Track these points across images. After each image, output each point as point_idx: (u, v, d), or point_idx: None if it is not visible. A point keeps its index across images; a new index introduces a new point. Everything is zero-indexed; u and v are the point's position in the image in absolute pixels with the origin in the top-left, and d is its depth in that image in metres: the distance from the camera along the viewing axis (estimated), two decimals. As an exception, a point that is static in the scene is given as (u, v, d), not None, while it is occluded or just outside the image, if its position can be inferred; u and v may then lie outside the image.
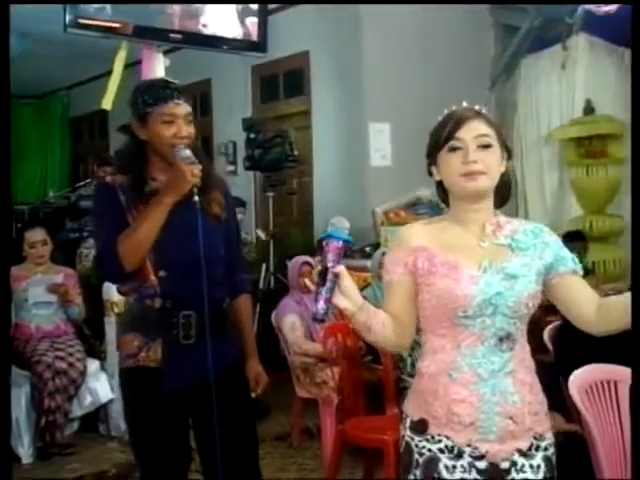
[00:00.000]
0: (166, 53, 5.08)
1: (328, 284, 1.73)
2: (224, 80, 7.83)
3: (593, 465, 2.59)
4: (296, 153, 6.03)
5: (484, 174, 1.76)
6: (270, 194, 6.08)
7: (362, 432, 3.58)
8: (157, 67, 4.38)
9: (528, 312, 1.79)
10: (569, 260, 1.85)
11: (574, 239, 5.80)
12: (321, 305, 1.72)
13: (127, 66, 4.98)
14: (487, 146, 1.78)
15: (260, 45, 5.27)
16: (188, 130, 2.34)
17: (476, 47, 6.88)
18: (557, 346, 3.61)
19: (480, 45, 6.96)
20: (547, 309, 5.16)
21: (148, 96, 2.34)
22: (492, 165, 1.78)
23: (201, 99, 8.40)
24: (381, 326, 1.80)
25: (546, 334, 3.82)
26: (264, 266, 5.70)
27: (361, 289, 5.22)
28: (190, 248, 2.30)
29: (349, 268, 6.04)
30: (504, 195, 1.88)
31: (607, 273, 6.19)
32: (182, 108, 2.33)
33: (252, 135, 6.04)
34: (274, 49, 6.89)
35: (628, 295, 1.78)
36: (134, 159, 2.39)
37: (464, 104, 1.87)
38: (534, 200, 7.12)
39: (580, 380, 2.69)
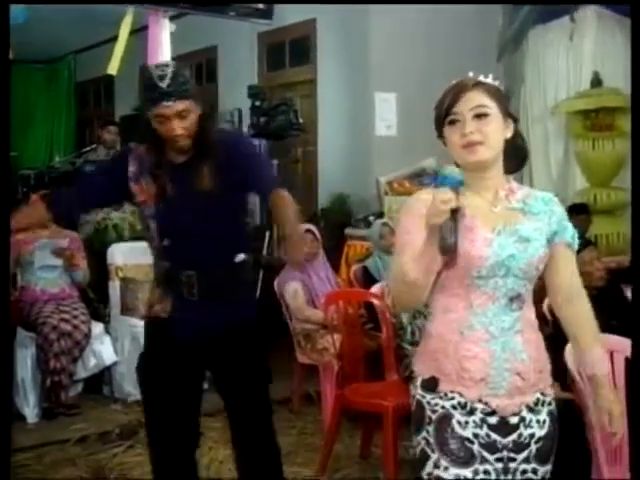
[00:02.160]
0: (172, 19, 5.07)
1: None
2: (230, 47, 7.80)
3: (586, 432, 2.63)
4: (301, 121, 6.03)
5: (482, 144, 1.80)
6: (274, 162, 6.08)
7: (361, 398, 3.63)
8: (163, 33, 4.38)
9: (537, 274, 1.86)
10: (569, 232, 1.90)
11: (578, 212, 5.81)
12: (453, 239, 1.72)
13: (133, 32, 4.98)
14: (484, 115, 1.81)
15: (266, 12, 5.25)
16: (181, 125, 2.41)
17: (483, 18, 6.83)
18: (556, 317, 3.64)
19: (487, 15, 6.90)
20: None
21: (142, 99, 2.49)
22: (490, 134, 1.80)
23: (207, 66, 8.38)
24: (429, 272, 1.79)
25: (546, 305, 3.83)
26: (267, 234, 5.72)
27: (364, 258, 5.26)
28: (185, 219, 2.50)
29: (352, 237, 6.09)
30: (519, 159, 1.93)
31: (610, 246, 6.20)
32: (171, 109, 2.39)
33: (257, 103, 6.04)
34: (281, 17, 6.87)
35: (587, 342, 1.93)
36: (149, 140, 2.52)
37: (470, 74, 1.89)
38: (539, 172, 7.10)
39: (576, 349, 2.71)
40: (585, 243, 3.72)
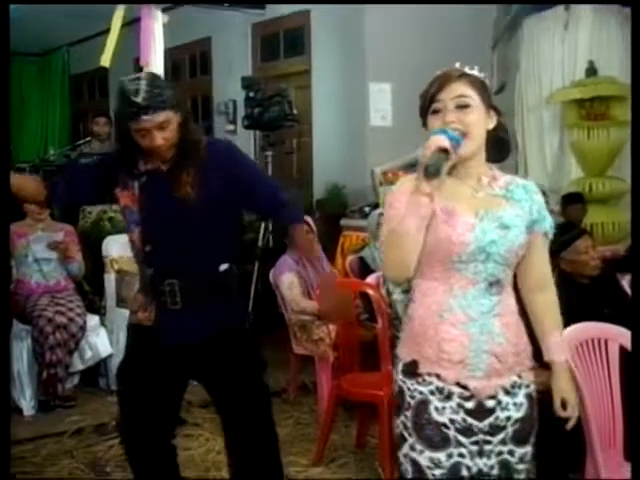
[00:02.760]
0: (165, 11, 5.05)
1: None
2: (224, 38, 7.78)
3: (581, 420, 2.64)
4: (295, 112, 6.02)
5: (462, 135, 1.82)
6: (269, 153, 6.08)
7: (357, 388, 3.64)
8: (156, 25, 4.36)
9: (516, 260, 1.90)
10: (547, 222, 1.95)
11: (573, 201, 5.83)
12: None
13: (126, 24, 4.97)
14: (465, 106, 1.84)
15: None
16: (163, 136, 2.39)
17: (478, 7, 6.82)
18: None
19: (482, 5, 6.89)
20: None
21: (119, 114, 2.46)
22: (471, 124, 1.84)
23: (201, 57, 8.37)
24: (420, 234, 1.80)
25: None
26: (263, 225, 5.72)
27: (359, 249, 5.26)
28: (167, 226, 2.48)
29: (347, 228, 6.10)
30: (502, 150, 1.97)
31: (605, 235, 6.21)
32: (151, 122, 2.36)
33: (251, 94, 6.03)
34: (275, 7, 6.86)
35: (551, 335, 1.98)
36: (126, 149, 2.49)
37: (457, 65, 1.92)
38: (534, 161, 7.11)
39: (571, 337, 2.71)
40: (580, 232, 3.73)
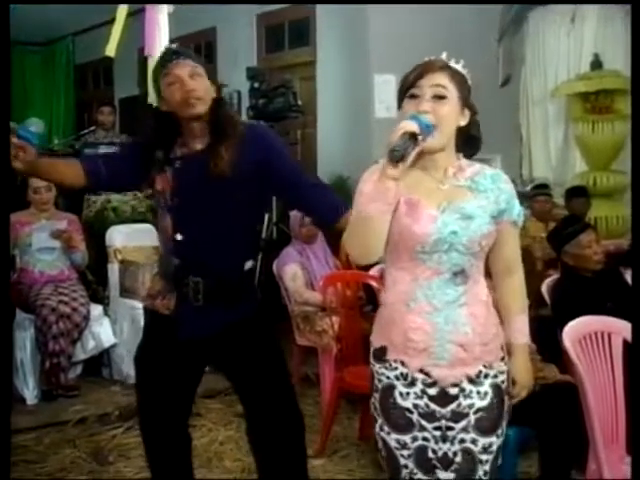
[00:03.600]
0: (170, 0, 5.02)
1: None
2: (229, 29, 7.76)
3: (584, 414, 2.64)
4: (300, 103, 6.00)
5: (433, 125, 1.82)
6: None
7: (360, 380, 3.62)
8: (161, 15, 4.33)
9: (481, 250, 1.92)
10: (515, 210, 1.97)
11: (576, 194, 5.82)
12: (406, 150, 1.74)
13: (131, 13, 4.95)
14: (442, 97, 1.86)
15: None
16: (194, 84, 2.37)
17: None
18: (554, 298, 3.65)
19: (485, 4, 6.86)
20: (548, 263, 5.24)
21: (156, 66, 2.46)
22: (444, 117, 1.85)
23: (206, 48, 8.34)
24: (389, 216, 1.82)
25: (544, 287, 3.86)
26: (267, 216, 5.70)
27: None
28: (199, 213, 2.41)
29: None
30: (472, 147, 1.99)
31: (609, 229, 6.21)
32: (183, 66, 2.37)
33: (256, 84, 6.02)
34: (277, 4, 6.83)
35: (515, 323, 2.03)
36: (156, 130, 2.48)
37: (443, 56, 1.95)
38: (538, 154, 7.11)
39: (574, 331, 2.72)
40: (584, 226, 3.72)
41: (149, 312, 2.61)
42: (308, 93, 6.81)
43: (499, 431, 1.95)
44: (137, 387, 2.70)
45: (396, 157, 1.74)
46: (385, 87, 6.39)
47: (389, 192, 1.77)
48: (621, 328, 2.75)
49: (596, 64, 6.53)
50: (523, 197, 6.36)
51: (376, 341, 1.99)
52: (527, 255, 3.79)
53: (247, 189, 2.41)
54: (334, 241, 5.59)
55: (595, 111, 6.49)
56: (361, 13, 6.53)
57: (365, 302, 4.23)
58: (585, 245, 3.54)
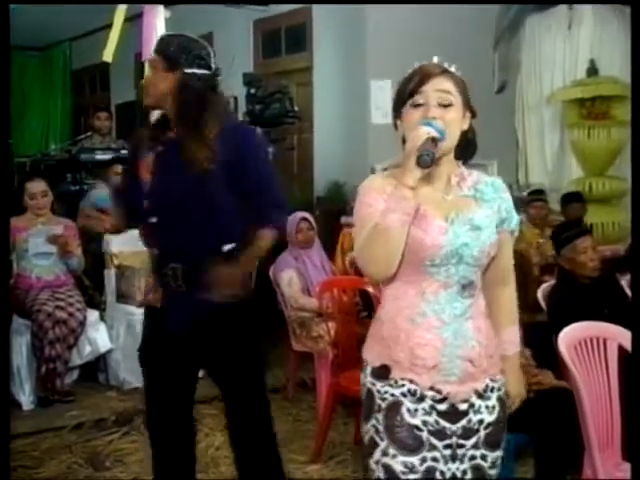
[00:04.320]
0: (167, 6, 5.05)
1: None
2: (225, 34, 7.76)
3: (579, 420, 2.64)
4: (296, 109, 6.00)
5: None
6: (270, 150, 6.06)
7: (356, 385, 3.60)
8: (158, 20, 4.35)
9: (488, 260, 1.89)
10: (514, 220, 1.94)
11: (572, 200, 5.83)
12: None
13: (129, 19, 4.96)
14: (448, 104, 1.81)
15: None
16: (146, 77, 2.61)
17: (480, 5, 6.81)
18: (550, 304, 3.66)
19: (484, 4, 6.88)
20: (544, 268, 5.25)
21: None
22: (451, 123, 1.81)
23: (203, 53, 8.34)
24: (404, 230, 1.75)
25: (540, 293, 3.86)
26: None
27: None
28: (172, 197, 2.47)
29: (347, 225, 6.06)
30: (468, 152, 1.94)
31: (605, 235, 6.22)
32: (149, 60, 2.58)
33: (252, 90, 6.01)
34: (276, 4, 6.84)
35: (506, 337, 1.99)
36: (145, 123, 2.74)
37: (435, 60, 1.89)
38: (534, 160, 7.12)
39: (569, 337, 2.73)
40: (580, 232, 3.72)
41: (146, 309, 2.68)
42: (305, 99, 6.82)
43: (503, 444, 1.92)
44: (144, 387, 2.74)
45: (427, 162, 1.70)
46: (381, 93, 6.40)
47: (407, 201, 1.72)
48: (616, 334, 2.76)
49: (592, 70, 6.55)
50: (519, 202, 6.39)
51: (374, 360, 1.87)
52: (523, 261, 3.82)
53: (217, 180, 2.44)
54: (330, 246, 5.61)
55: (591, 117, 6.51)
56: (358, 19, 6.55)
57: (361, 308, 4.23)
58: (580, 251, 3.54)
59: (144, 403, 2.73)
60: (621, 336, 2.71)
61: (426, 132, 1.73)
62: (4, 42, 2.23)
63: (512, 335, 2.00)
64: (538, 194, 5.91)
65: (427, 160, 1.71)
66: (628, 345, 2.61)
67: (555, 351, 2.78)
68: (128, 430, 4.08)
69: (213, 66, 2.54)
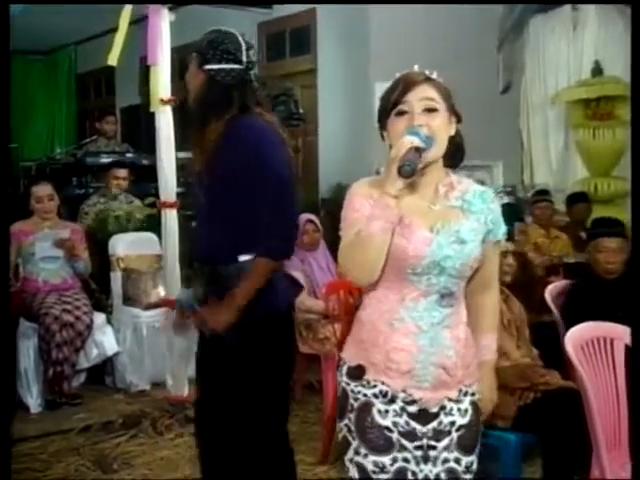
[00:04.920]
0: (171, 9, 5.05)
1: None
2: (230, 37, 7.79)
3: (586, 419, 2.65)
4: (301, 111, 6.02)
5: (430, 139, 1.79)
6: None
7: (363, 386, 3.64)
8: (163, 23, 4.35)
9: (471, 273, 1.88)
10: (500, 230, 1.93)
11: (577, 200, 5.83)
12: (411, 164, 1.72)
13: (133, 22, 4.97)
14: (432, 110, 1.81)
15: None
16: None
17: (483, 6, 6.81)
18: (565, 305, 3.64)
19: (488, 4, 6.88)
20: (549, 270, 5.24)
21: None
22: (438, 129, 1.81)
23: (207, 56, 8.36)
24: (387, 237, 1.76)
25: (548, 294, 3.86)
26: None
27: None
28: (201, 203, 2.49)
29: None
30: (457, 157, 1.93)
31: (610, 235, 6.20)
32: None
33: (257, 93, 6.02)
34: (281, 6, 6.85)
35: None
36: None
37: (415, 68, 1.89)
38: (539, 161, 7.12)
39: (576, 337, 2.73)
40: (609, 232, 3.62)
41: None
42: (309, 101, 6.83)
43: (477, 450, 1.91)
44: None
45: (408, 172, 1.71)
46: (386, 95, 6.41)
47: (390, 209, 1.73)
48: (623, 334, 2.76)
49: (597, 71, 6.55)
50: (524, 203, 6.39)
51: (351, 359, 1.89)
52: (526, 262, 3.82)
53: (228, 185, 2.41)
54: (335, 248, 5.61)
55: (596, 117, 6.51)
56: (362, 21, 6.55)
57: (367, 309, 4.23)
58: (601, 249, 3.54)
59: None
60: (628, 336, 2.71)
61: (409, 141, 1.73)
62: (4, 43, 2.23)
63: (489, 341, 2.01)
64: (543, 194, 5.91)
65: (408, 170, 1.71)
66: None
67: (562, 351, 2.78)
68: (135, 433, 4.09)
69: (245, 60, 2.49)
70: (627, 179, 6.31)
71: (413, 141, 1.73)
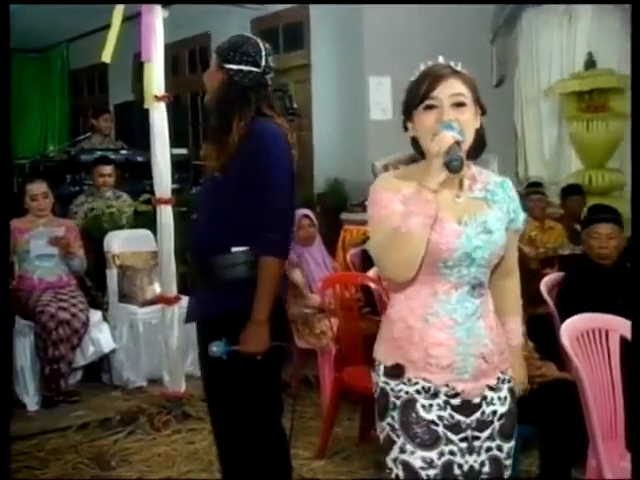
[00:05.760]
0: (164, 6, 5.04)
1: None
2: (223, 34, 7.72)
3: (582, 410, 2.66)
4: (296, 106, 6.00)
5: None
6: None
7: (359, 380, 3.64)
8: (156, 20, 4.34)
9: (497, 261, 1.91)
10: (520, 218, 1.96)
11: (572, 193, 5.84)
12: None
13: (126, 19, 4.96)
14: (461, 104, 1.82)
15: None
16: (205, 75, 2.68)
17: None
18: (560, 297, 3.65)
19: (483, 4, 6.88)
20: (544, 262, 5.25)
21: None
22: (466, 124, 1.82)
23: (200, 53, 8.36)
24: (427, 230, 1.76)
25: (543, 286, 3.87)
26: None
27: (360, 243, 5.27)
28: (202, 196, 2.67)
29: (348, 222, 6.08)
30: (479, 148, 1.93)
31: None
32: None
33: (251, 88, 6.02)
34: (274, 4, 6.83)
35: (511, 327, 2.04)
36: None
37: (440, 59, 1.89)
38: (533, 153, 7.14)
39: (572, 328, 2.74)
40: (603, 218, 3.60)
41: None
42: (303, 96, 6.83)
43: (515, 434, 1.94)
44: None
45: (457, 167, 1.72)
46: (380, 89, 6.42)
47: (430, 204, 1.74)
48: (618, 325, 2.77)
49: (590, 63, 6.56)
50: (519, 196, 6.40)
51: (387, 359, 1.89)
52: (521, 254, 3.83)
53: (231, 185, 2.46)
54: (331, 243, 5.62)
55: (589, 110, 6.52)
56: (355, 16, 6.55)
57: (363, 303, 4.24)
58: (594, 235, 3.55)
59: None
60: (623, 327, 2.72)
61: (451, 136, 1.74)
62: (4, 42, 2.23)
63: (514, 325, 2.05)
64: (536, 187, 5.92)
65: (457, 165, 1.73)
66: (630, 336, 2.61)
67: (557, 343, 2.79)
68: (133, 429, 4.09)
69: (263, 64, 2.55)
70: (621, 171, 6.34)
71: (454, 136, 1.74)
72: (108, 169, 5.66)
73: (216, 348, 2.42)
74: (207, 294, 2.53)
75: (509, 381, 1.94)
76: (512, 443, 1.93)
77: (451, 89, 1.81)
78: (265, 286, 2.41)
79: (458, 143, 1.74)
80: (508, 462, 1.92)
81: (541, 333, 3.41)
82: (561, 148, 6.97)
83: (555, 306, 3.66)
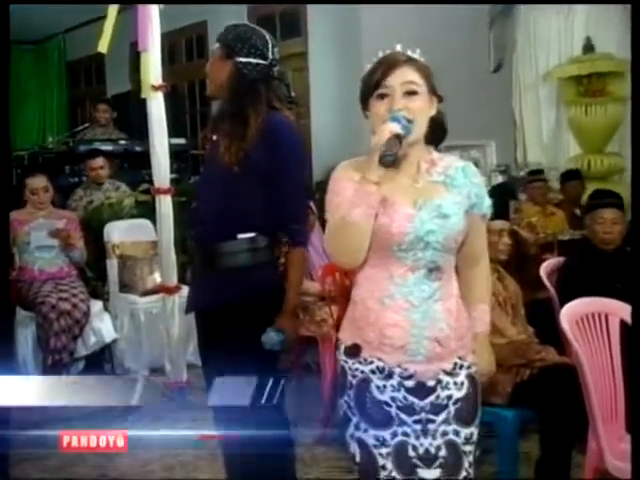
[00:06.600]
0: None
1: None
2: (220, 22, 7.68)
3: (582, 394, 2.67)
4: (293, 95, 6.00)
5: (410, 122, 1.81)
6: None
7: (360, 367, 3.66)
8: (153, 9, 4.33)
9: (456, 246, 1.92)
10: (485, 203, 1.95)
11: (571, 177, 5.85)
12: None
13: (123, 9, 4.95)
14: (413, 93, 1.83)
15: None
16: (208, 65, 2.68)
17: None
18: (560, 282, 3.66)
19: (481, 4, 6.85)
20: (543, 247, 5.26)
21: None
22: (418, 112, 1.83)
23: (197, 41, 8.34)
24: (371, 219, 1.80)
25: (543, 270, 3.88)
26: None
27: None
28: (205, 189, 2.62)
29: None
30: (439, 136, 1.95)
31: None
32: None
33: (249, 77, 6.01)
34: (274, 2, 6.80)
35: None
36: None
37: (398, 47, 1.91)
38: (531, 139, 7.13)
39: (571, 312, 2.75)
40: (607, 203, 3.61)
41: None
42: (300, 84, 6.81)
43: (477, 421, 1.94)
44: None
45: (389, 162, 1.75)
46: (378, 76, 6.40)
47: (372, 196, 1.78)
48: (618, 309, 2.78)
49: (588, 47, 6.55)
50: (518, 182, 6.40)
51: (347, 338, 1.94)
52: (520, 239, 3.84)
53: (246, 176, 2.46)
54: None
55: (588, 94, 6.52)
56: (352, 2, 6.52)
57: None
58: (598, 220, 3.55)
59: None
60: (623, 311, 2.74)
61: (389, 129, 1.75)
62: (4, 42, 2.24)
63: (481, 313, 2.03)
64: (537, 174, 5.93)
65: (389, 160, 1.75)
66: (629, 319, 2.62)
67: (557, 327, 2.80)
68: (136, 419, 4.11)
69: (270, 56, 2.55)
70: (620, 155, 6.34)
71: (393, 129, 1.75)
72: (99, 162, 5.63)
73: (270, 340, 2.43)
74: (210, 283, 2.53)
75: (468, 367, 1.93)
76: (472, 429, 1.92)
77: (403, 77, 1.83)
78: (297, 274, 2.51)
79: (399, 136, 1.75)
80: (467, 448, 1.91)
81: (541, 318, 3.43)
82: (560, 133, 6.96)
83: (555, 291, 3.68)
